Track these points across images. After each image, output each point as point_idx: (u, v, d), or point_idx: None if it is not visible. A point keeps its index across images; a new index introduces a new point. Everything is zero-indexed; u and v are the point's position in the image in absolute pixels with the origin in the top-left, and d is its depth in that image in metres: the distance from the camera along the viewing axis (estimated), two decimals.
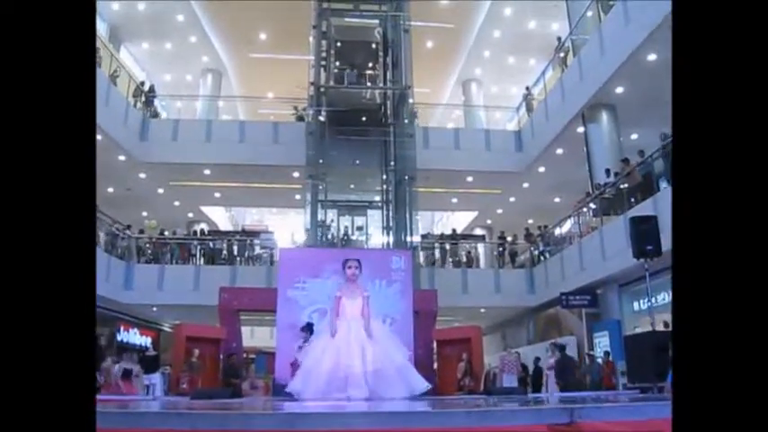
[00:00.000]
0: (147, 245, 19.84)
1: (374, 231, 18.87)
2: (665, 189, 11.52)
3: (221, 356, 12.63)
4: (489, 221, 25.43)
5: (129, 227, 19.62)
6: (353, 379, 5.48)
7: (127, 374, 11.65)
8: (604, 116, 15.98)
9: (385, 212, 17.92)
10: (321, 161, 16.98)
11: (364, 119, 18.49)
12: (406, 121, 17.58)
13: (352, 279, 6.25)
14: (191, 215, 24.46)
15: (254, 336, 23.54)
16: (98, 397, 9.77)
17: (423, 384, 6.01)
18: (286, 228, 26.62)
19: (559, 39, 19.78)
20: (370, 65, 19.69)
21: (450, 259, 20.90)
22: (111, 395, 11.48)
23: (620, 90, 14.93)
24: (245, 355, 14.30)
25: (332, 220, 18.11)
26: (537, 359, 15.74)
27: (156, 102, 21.95)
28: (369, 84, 19.43)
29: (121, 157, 18.32)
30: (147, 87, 21.41)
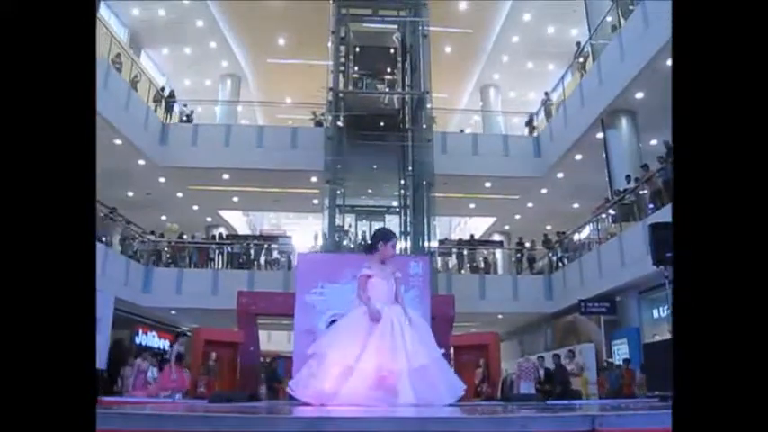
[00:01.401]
0: (167, 249, 20.00)
1: None
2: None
3: (239, 360, 12.70)
4: (507, 227, 25.35)
5: (152, 233, 19.82)
6: (398, 380, 4.29)
7: (180, 358, 11.83)
8: (624, 122, 15.90)
9: (403, 217, 17.91)
10: (339, 166, 17.02)
11: (382, 124, 18.51)
12: (424, 126, 17.56)
13: (389, 259, 4.99)
14: (209, 219, 24.60)
15: (272, 340, 23.62)
16: (117, 399, 9.82)
17: (459, 384, 4.71)
18: (307, 232, 26.71)
19: (578, 44, 19.72)
20: (389, 70, 19.71)
21: (468, 265, 20.86)
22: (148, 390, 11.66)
23: (639, 96, 14.83)
24: (262, 360, 14.35)
25: (350, 225, 18.13)
26: (557, 355, 15.37)
27: (178, 106, 22.09)
28: (387, 89, 19.46)
29: (141, 162, 18.50)
30: (167, 93, 21.61)
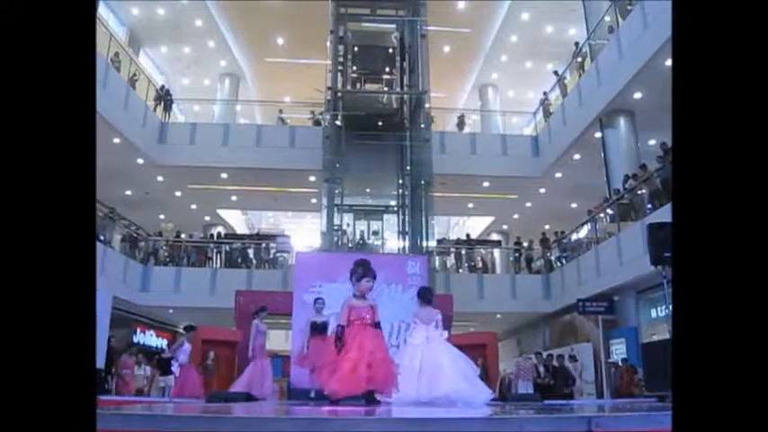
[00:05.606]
0: (164, 247, 20.01)
1: (390, 236, 18.86)
2: None
3: (237, 359, 12.71)
4: (505, 227, 25.36)
5: (160, 234, 19.98)
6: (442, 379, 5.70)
7: (317, 329, 9.08)
8: (622, 121, 15.91)
9: (401, 217, 17.91)
10: (338, 165, 17.00)
11: (381, 123, 18.49)
12: (422, 125, 17.56)
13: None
14: (207, 218, 24.56)
15: (270, 339, 23.56)
16: (116, 398, 9.78)
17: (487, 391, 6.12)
18: (305, 231, 26.61)
19: (577, 44, 19.71)
20: (387, 69, 19.70)
21: (466, 264, 20.86)
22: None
23: (638, 95, 14.85)
24: None
25: (348, 225, 18.12)
26: (560, 356, 15.21)
27: (176, 106, 22.06)
28: (386, 88, 19.45)
29: (140, 161, 18.50)
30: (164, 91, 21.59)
